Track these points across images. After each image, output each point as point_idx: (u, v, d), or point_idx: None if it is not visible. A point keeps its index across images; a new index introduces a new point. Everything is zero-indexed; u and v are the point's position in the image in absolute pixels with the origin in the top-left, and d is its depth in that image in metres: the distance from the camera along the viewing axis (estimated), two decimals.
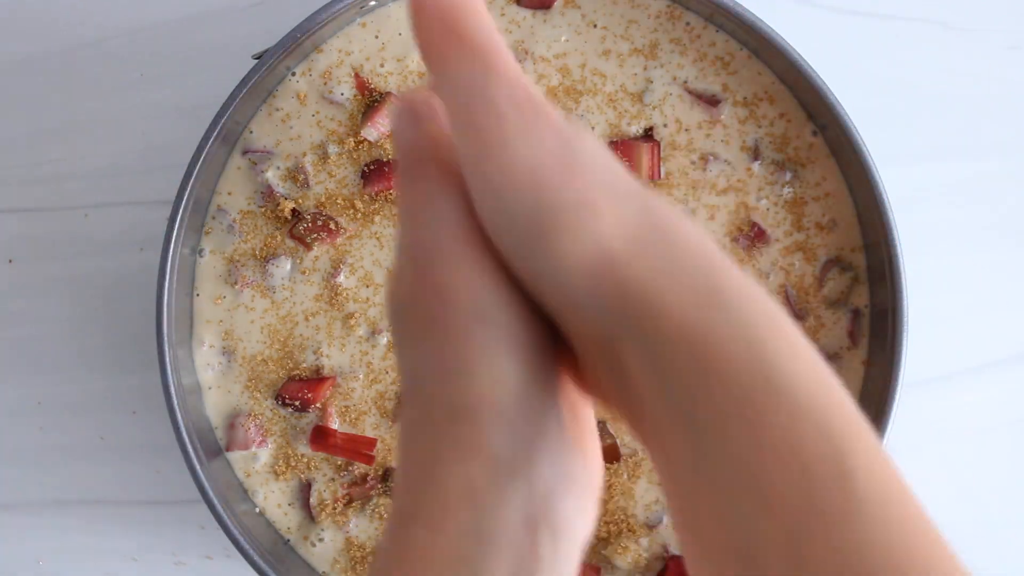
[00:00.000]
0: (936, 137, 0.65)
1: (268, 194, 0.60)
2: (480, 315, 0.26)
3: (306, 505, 0.61)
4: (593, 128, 0.59)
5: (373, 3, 0.59)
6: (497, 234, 0.27)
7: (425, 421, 0.27)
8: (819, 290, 0.60)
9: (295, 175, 0.60)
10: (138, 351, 0.66)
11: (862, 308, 0.60)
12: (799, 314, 0.60)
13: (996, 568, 0.65)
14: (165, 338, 0.57)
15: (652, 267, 0.25)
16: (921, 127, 0.65)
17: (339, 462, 0.61)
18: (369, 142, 0.60)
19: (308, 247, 0.60)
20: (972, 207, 0.65)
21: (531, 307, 0.28)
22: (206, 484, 0.57)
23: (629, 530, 0.60)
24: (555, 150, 0.26)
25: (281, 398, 0.60)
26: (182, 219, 0.57)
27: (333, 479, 0.61)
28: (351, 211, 0.60)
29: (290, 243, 0.61)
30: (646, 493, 0.60)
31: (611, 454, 0.60)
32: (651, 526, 0.60)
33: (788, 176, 0.60)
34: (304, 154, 0.60)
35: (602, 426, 0.60)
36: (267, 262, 0.61)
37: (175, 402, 0.57)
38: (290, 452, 0.61)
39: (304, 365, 0.61)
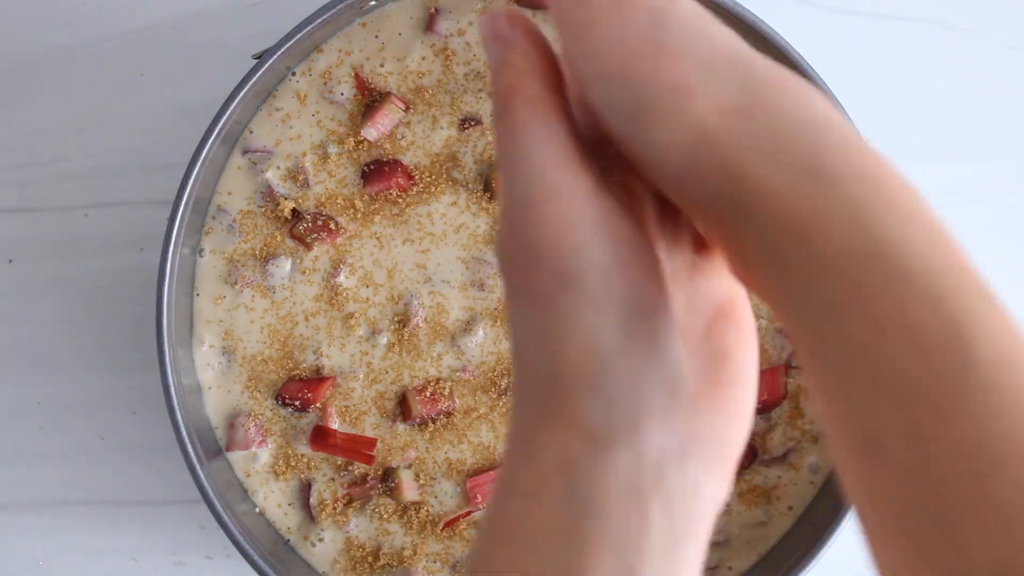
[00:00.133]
0: (936, 137, 0.65)
1: (268, 194, 0.60)
2: (566, 276, 0.25)
3: (306, 505, 0.61)
4: None
5: (373, 3, 0.59)
6: (604, 121, 0.26)
7: (523, 388, 0.26)
8: None
9: (295, 175, 0.60)
10: (138, 351, 0.66)
11: None
12: None
13: None
14: (165, 338, 0.57)
15: (751, 140, 0.24)
16: (921, 127, 0.65)
17: (339, 462, 0.61)
18: (369, 142, 0.60)
19: (308, 247, 0.60)
20: (972, 207, 0.65)
21: (638, 239, 0.26)
22: (206, 484, 0.57)
23: None
24: (643, 29, 0.25)
25: (281, 398, 0.60)
26: (182, 219, 0.57)
27: (333, 479, 0.61)
28: (351, 211, 0.60)
29: (290, 243, 0.61)
30: None
31: None
32: None
33: None
34: (304, 154, 0.60)
35: None
36: (267, 262, 0.61)
37: (175, 402, 0.57)
38: (290, 452, 0.61)
39: (304, 365, 0.61)
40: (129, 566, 0.67)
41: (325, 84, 0.60)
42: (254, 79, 0.56)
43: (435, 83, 0.60)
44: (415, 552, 0.61)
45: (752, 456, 0.61)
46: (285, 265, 0.61)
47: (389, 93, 0.60)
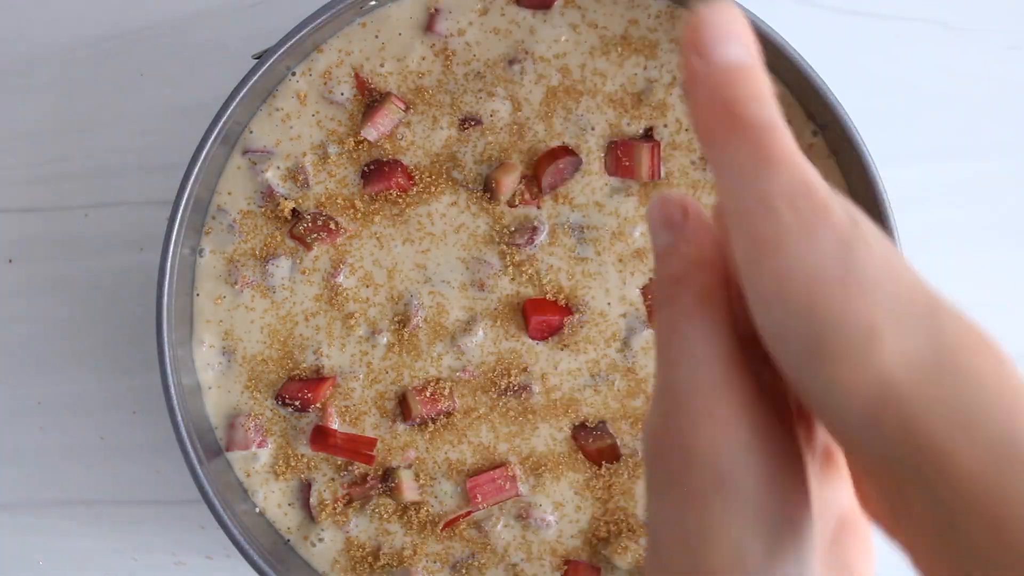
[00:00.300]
0: (936, 137, 0.65)
1: (268, 194, 0.60)
2: (722, 481, 0.24)
3: (306, 505, 0.61)
4: (593, 128, 0.59)
5: (373, 3, 0.59)
6: (770, 343, 0.25)
7: None
8: None
9: (295, 175, 0.60)
10: (138, 351, 0.66)
11: None
12: None
13: None
14: (165, 338, 0.57)
15: (940, 407, 0.23)
16: (921, 127, 0.65)
17: (339, 462, 0.61)
18: (369, 142, 0.60)
19: (308, 247, 0.60)
20: (972, 207, 0.65)
21: (789, 447, 0.25)
22: (206, 484, 0.57)
23: (629, 530, 0.60)
24: (833, 257, 0.24)
25: (281, 398, 0.60)
26: (182, 219, 0.57)
27: (333, 479, 0.61)
28: (351, 211, 0.60)
29: (290, 243, 0.61)
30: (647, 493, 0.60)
31: (611, 454, 0.60)
32: None
33: None
34: (304, 154, 0.60)
35: (602, 426, 0.60)
36: (267, 262, 0.61)
37: (175, 402, 0.57)
38: (290, 452, 0.61)
39: (304, 365, 0.61)
40: (129, 566, 0.67)
41: (325, 84, 0.60)
42: (254, 79, 0.56)
43: (435, 83, 0.60)
44: (415, 552, 0.61)
45: None
46: (285, 265, 0.61)
47: (389, 93, 0.60)
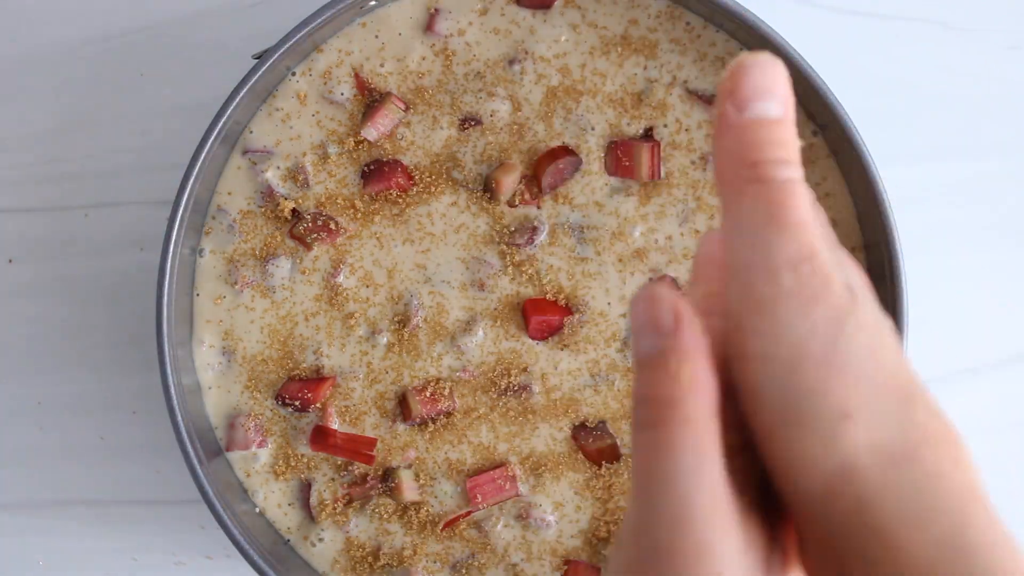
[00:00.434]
0: (936, 137, 0.65)
1: (268, 194, 0.60)
2: None
3: (306, 505, 0.61)
4: (593, 128, 0.59)
5: (373, 3, 0.59)
6: (747, 397, 0.25)
7: None
8: None
9: (295, 175, 0.60)
10: (138, 351, 0.66)
11: None
12: None
13: None
14: (165, 338, 0.57)
15: (897, 496, 0.23)
16: (921, 127, 0.65)
17: (339, 462, 0.61)
18: (369, 142, 0.60)
19: (308, 247, 0.60)
20: (972, 207, 0.65)
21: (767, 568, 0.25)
22: (206, 484, 0.57)
23: None
24: (822, 335, 0.24)
25: (281, 398, 0.60)
26: (182, 219, 0.57)
27: (333, 479, 0.61)
28: (351, 211, 0.60)
29: (290, 243, 0.61)
30: None
31: (611, 454, 0.60)
32: None
33: None
34: (304, 154, 0.60)
35: (602, 426, 0.60)
36: (267, 262, 0.61)
37: (175, 402, 0.57)
38: (290, 452, 0.61)
39: (304, 365, 0.61)
40: (129, 566, 0.67)
41: (325, 84, 0.60)
42: (254, 79, 0.56)
43: (435, 83, 0.60)
44: (415, 552, 0.61)
45: None
46: (285, 265, 0.61)
47: (389, 93, 0.60)
